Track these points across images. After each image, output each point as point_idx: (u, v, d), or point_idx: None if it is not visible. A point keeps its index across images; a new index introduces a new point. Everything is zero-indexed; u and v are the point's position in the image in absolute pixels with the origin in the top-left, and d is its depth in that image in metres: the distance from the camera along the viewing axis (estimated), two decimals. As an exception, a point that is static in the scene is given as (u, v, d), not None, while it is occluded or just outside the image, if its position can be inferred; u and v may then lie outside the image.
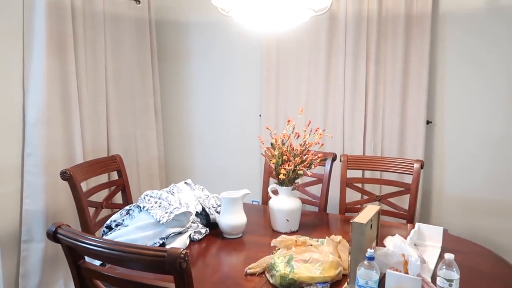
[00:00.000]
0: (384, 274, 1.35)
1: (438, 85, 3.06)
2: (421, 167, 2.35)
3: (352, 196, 2.66)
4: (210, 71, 3.67)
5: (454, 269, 1.29)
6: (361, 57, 3.11)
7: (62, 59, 2.76)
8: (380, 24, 3.06)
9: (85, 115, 2.94)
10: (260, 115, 3.48)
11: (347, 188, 2.51)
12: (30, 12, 2.61)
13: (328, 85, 3.23)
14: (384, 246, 1.50)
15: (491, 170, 2.99)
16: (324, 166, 2.54)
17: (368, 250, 1.30)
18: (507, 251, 2.98)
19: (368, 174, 3.00)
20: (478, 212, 3.05)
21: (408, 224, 2.21)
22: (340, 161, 2.54)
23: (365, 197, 2.50)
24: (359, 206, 2.51)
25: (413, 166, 2.36)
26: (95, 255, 1.18)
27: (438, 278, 1.29)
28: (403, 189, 2.38)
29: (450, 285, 1.26)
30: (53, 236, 1.22)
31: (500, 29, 2.86)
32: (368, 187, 2.89)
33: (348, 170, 2.52)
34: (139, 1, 3.45)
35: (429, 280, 1.34)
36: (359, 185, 2.64)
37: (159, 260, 1.07)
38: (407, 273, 1.36)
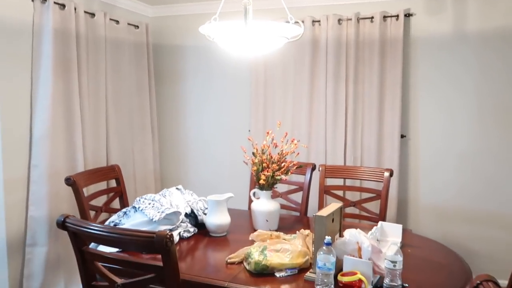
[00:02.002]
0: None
1: (411, 103, 3.35)
2: (391, 175, 2.61)
3: (331, 202, 2.90)
4: (203, 90, 3.96)
5: (398, 254, 1.53)
6: (341, 78, 3.41)
7: (66, 80, 3.04)
8: (358, 47, 3.37)
9: (86, 131, 3.20)
10: (249, 130, 3.75)
11: (325, 195, 2.75)
12: (39, 37, 2.90)
13: (312, 103, 3.52)
14: (345, 238, 1.74)
15: (459, 181, 3.25)
16: (305, 175, 2.79)
17: (326, 237, 1.54)
18: (478, 256, 3.20)
19: (349, 182, 3.24)
20: (450, 220, 3.30)
21: (379, 226, 2.43)
22: (319, 170, 2.79)
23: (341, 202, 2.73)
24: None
25: (383, 174, 2.61)
26: (96, 239, 1.42)
27: (385, 261, 1.53)
28: (375, 195, 2.63)
29: (394, 265, 1.50)
30: (62, 224, 1.46)
31: (464, 52, 3.17)
32: (347, 194, 3.13)
33: (326, 179, 2.77)
34: (138, 26, 3.77)
35: (380, 263, 1.58)
36: (340, 192, 2.88)
37: (149, 241, 1.31)
38: (360, 258, 1.60)
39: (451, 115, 3.24)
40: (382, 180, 2.61)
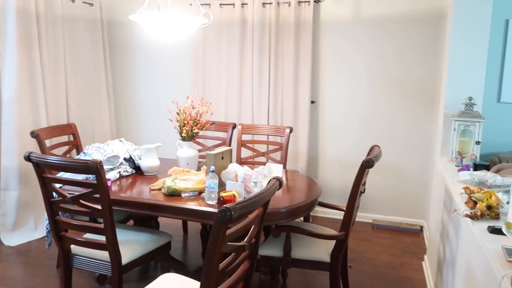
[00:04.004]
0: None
1: (320, 74, 4.09)
2: (290, 131, 3.37)
3: (248, 153, 3.66)
4: (152, 61, 4.58)
5: (260, 178, 2.29)
6: (264, 53, 4.10)
7: (29, 52, 3.60)
8: (278, 27, 4.05)
9: (48, 95, 3.80)
10: (188, 97, 4.41)
11: (242, 147, 3.49)
12: (3, 16, 3.45)
13: (241, 74, 4.21)
14: (233, 171, 2.48)
15: (357, 137, 4.06)
16: (227, 132, 3.52)
17: (211, 167, 2.28)
18: (370, 197, 4.06)
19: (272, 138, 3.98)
20: (349, 169, 4.12)
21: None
22: (237, 128, 3.52)
23: (254, 153, 3.49)
24: (250, 160, 3.51)
25: (284, 131, 3.37)
26: (50, 166, 2.11)
27: (251, 182, 2.29)
28: (278, 147, 3.39)
29: (256, 184, 2.26)
30: (28, 157, 2.13)
31: (361, 33, 3.91)
32: (258, 146, 3.85)
33: (242, 135, 3.50)
34: (92, 4, 4.31)
35: (249, 185, 2.33)
36: (254, 145, 3.63)
37: (85, 165, 2.01)
38: (237, 181, 2.35)
39: (351, 84, 4.01)
40: (283, 135, 3.37)
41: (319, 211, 4.25)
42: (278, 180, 1.74)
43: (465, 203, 1.79)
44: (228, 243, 1.50)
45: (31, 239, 3.56)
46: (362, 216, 4.11)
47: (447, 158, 2.75)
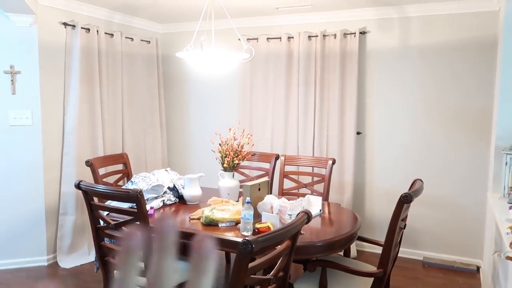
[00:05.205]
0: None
1: (366, 105, 4.04)
2: (333, 163, 3.33)
3: (290, 184, 3.65)
4: (203, 93, 4.78)
5: (296, 210, 2.28)
6: (310, 84, 4.14)
7: (90, 87, 3.92)
8: (323, 59, 4.09)
9: (105, 127, 4.08)
10: (231, 128, 4.52)
11: (284, 178, 3.50)
12: (70, 54, 3.80)
13: (287, 104, 4.27)
14: (270, 202, 2.50)
15: (405, 168, 3.92)
16: (270, 163, 3.56)
17: (247, 198, 2.31)
18: (419, 231, 3.87)
19: (317, 170, 3.96)
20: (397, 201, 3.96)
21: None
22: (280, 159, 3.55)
23: (296, 184, 3.48)
24: (293, 191, 3.50)
25: (327, 163, 3.34)
26: (97, 194, 2.26)
27: (286, 214, 2.29)
28: (320, 178, 3.36)
29: (290, 216, 2.26)
30: (77, 185, 2.30)
31: (408, 62, 3.84)
32: (300, 177, 3.84)
33: (285, 166, 3.52)
34: (149, 41, 4.62)
35: (284, 217, 2.33)
36: (296, 176, 3.63)
37: (127, 194, 2.13)
38: (272, 213, 2.36)
39: (396, 115, 3.92)
40: (325, 167, 3.34)
41: (366, 246, 4.10)
42: (307, 213, 1.73)
43: (510, 244, 1.66)
44: (253, 275, 1.51)
45: (84, 262, 3.76)
46: (411, 252, 3.92)
47: (499, 193, 2.57)
